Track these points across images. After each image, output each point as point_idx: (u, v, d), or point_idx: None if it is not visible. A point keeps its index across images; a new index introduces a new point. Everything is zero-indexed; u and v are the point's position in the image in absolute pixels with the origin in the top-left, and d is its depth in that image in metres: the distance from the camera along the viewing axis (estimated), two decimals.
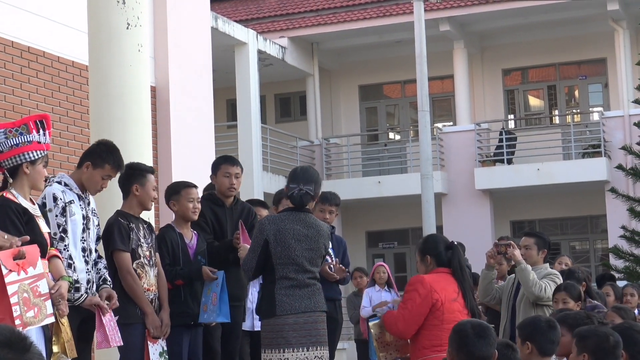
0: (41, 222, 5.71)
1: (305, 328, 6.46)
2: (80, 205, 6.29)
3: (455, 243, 6.95)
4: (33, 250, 5.26)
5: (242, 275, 7.17)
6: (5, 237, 5.18)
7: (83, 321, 6.16)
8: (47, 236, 5.69)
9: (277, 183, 21.17)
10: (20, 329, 4.75)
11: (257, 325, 7.79)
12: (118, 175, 6.52)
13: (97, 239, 6.44)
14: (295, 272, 6.48)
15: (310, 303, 6.49)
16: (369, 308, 13.12)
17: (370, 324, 7.12)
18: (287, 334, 6.42)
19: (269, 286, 6.54)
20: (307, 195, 6.58)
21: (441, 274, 6.73)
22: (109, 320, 6.18)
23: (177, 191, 7.27)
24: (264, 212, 8.07)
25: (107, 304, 6.19)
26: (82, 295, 6.13)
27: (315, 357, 6.47)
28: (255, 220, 7.70)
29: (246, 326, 7.84)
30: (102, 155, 6.38)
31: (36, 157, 5.66)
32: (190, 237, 7.33)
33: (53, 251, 5.78)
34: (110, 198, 7.22)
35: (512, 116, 25.44)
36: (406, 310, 6.55)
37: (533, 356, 5.53)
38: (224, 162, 7.66)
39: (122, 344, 6.29)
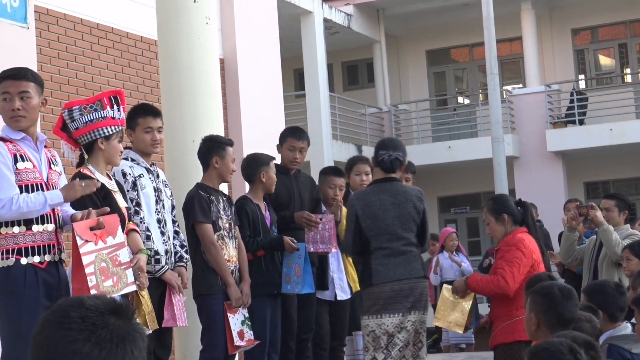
0: (118, 197, 5.77)
1: (401, 295, 6.68)
2: (149, 178, 6.36)
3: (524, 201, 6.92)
4: (113, 220, 5.31)
5: None
6: (85, 211, 5.24)
7: (163, 293, 6.24)
8: (124, 211, 5.75)
9: (347, 151, 21.15)
10: None
11: (338, 295, 7.86)
12: (159, 121, 6.49)
13: (172, 209, 6.51)
14: (388, 241, 6.71)
15: (405, 270, 6.71)
16: (437, 277, 13.16)
17: (444, 286, 7.09)
18: (383, 301, 6.67)
19: (367, 257, 6.79)
20: (396, 160, 6.84)
21: (524, 234, 6.69)
22: (178, 300, 6.26)
23: (267, 163, 7.36)
24: (339, 181, 8.01)
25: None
26: (162, 267, 6.21)
27: (408, 320, 6.67)
28: (318, 193, 7.83)
29: (327, 296, 7.87)
30: (132, 115, 6.48)
31: (111, 132, 5.71)
32: (265, 208, 7.39)
33: (131, 225, 5.84)
34: (184, 170, 7.30)
35: (582, 76, 25.08)
36: (514, 267, 6.50)
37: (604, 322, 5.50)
38: (291, 136, 7.79)
39: (187, 324, 6.40)
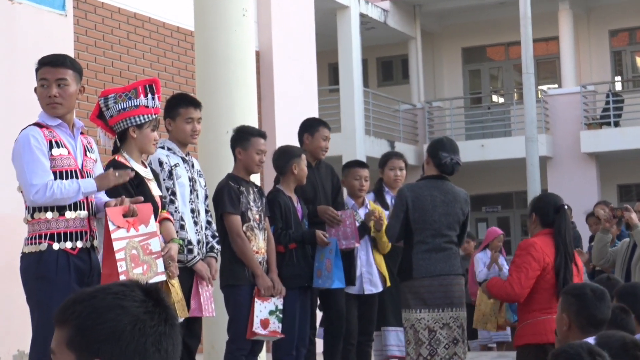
0: (152, 185, 5.78)
1: (440, 290, 6.79)
2: (185, 167, 6.37)
3: (566, 207, 6.85)
4: (146, 208, 5.32)
5: None
6: (119, 199, 5.25)
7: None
8: (158, 199, 5.76)
9: (380, 146, 21.11)
10: None
11: (367, 289, 7.85)
12: (199, 112, 6.51)
13: (206, 199, 6.53)
14: (432, 236, 6.83)
15: (445, 266, 6.83)
16: (484, 270, 13.15)
17: (479, 288, 7.14)
18: (423, 295, 6.77)
19: (408, 250, 6.90)
20: (457, 164, 7.01)
21: (546, 236, 6.64)
22: (206, 290, 6.28)
23: (299, 155, 7.37)
24: (364, 172, 8.05)
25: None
26: (194, 257, 6.23)
27: (450, 317, 6.80)
28: (337, 181, 7.84)
29: (355, 290, 7.87)
30: (172, 105, 6.52)
31: (143, 120, 5.72)
32: (296, 200, 7.39)
33: (164, 214, 5.86)
34: (218, 161, 7.32)
35: (619, 78, 24.92)
36: (522, 273, 6.48)
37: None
38: (324, 126, 7.84)
39: (214, 315, 6.41)
